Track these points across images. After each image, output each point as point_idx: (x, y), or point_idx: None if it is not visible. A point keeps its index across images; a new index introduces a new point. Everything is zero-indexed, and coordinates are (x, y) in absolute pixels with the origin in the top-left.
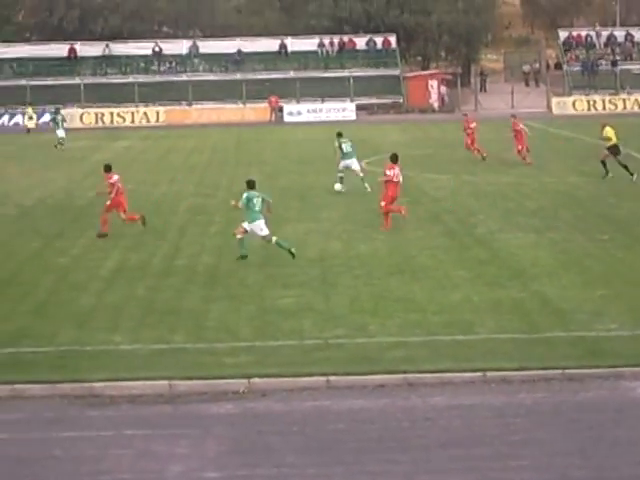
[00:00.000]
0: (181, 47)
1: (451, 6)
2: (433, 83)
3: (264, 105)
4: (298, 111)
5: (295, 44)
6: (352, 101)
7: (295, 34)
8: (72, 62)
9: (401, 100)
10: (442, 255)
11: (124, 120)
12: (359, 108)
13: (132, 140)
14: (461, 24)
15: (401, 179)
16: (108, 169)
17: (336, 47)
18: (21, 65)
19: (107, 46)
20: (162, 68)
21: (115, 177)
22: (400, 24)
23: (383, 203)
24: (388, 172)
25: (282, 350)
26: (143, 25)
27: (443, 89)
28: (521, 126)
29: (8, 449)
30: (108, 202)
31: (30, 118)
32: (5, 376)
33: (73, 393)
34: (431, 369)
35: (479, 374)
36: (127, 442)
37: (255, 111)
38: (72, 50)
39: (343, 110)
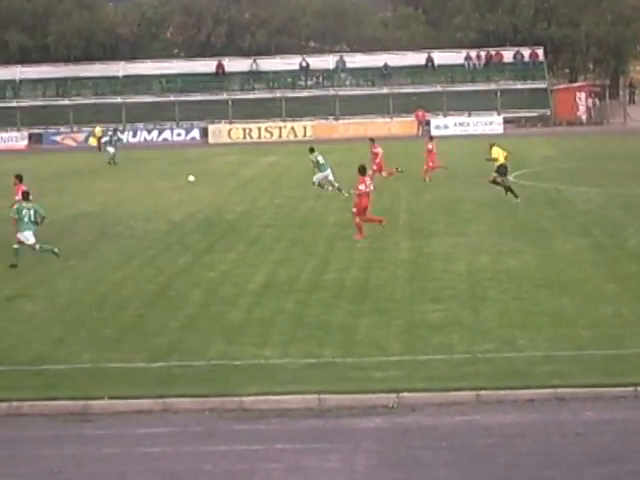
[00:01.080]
0: (328, 62)
1: (599, 17)
2: (581, 95)
3: (411, 119)
4: (445, 125)
5: (441, 57)
6: (499, 114)
7: (441, 47)
8: (220, 78)
9: (549, 113)
10: (591, 269)
11: (271, 135)
12: (506, 121)
13: (279, 155)
14: (610, 35)
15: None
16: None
17: (483, 60)
18: (169, 81)
19: (254, 61)
20: (309, 83)
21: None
22: (547, 36)
23: (354, 210)
24: (360, 186)
25: (431, 364)
26: (290, 40)
27: (591, 101)
28: None
29: (159, 463)
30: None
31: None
32: (156, 390)
33: (223, 407)
34: (581, 383)
35: (630, 389)
36: (277, 456)
37: (402, 125)
38: (220, 66)
39: (490, 123)
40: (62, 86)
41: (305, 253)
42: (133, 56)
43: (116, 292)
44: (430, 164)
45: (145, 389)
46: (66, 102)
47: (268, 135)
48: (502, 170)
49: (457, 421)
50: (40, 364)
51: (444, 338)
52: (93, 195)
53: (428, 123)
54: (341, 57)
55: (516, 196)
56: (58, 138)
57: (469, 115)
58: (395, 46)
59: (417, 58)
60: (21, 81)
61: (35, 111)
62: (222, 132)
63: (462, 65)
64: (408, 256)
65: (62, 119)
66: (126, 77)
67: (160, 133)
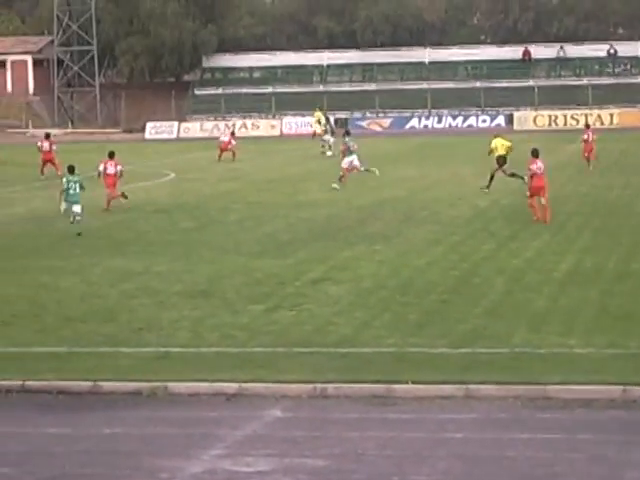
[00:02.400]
0: (636, 49)
1: None
2: None
3: None
4: None
5: None
6: None
7: None
8: (526, 64)
9: None
10: None
11: (577, 122)
12: None
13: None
14: None
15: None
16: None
17: None
18: (475, 67)
19: (561, 48)
20: (616, 70)
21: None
22: None
23: (528, 193)
24: (532, 166)
25: None
26: (598, 26)
27: None
28: None
29: (462, 448)
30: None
31: (318, 122)
32: (459, 376)
33: (526, 395)
34: None
35: None
36: (580, 446)
37: None
38: (526, 52)
39: None
40: (368, 71)
41: (611, 242)
42: (439, 42)
43: (420, 277)
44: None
45: (448, 375)
46: (372, 87)
47: (574, 122)
48: (500, 161)
49: None
50: (345, 347)
51: None
52: (398, 181)
53: None
54: None
55: (522, 177)
56: (364, 123)
57: None
58: None
59: None
60: (328, 66)
61: (341, 96)
62: (527, 119)
63: None
64: None
65: (368, 104)
66: (432, 63)
67: (465, 119)
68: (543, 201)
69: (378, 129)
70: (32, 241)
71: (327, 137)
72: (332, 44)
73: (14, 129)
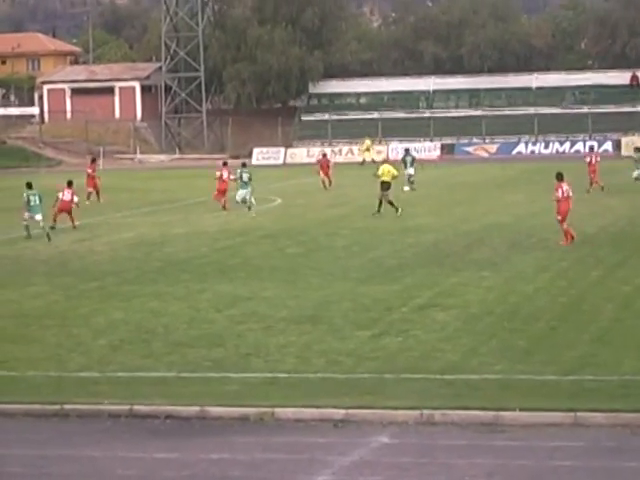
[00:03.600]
0: None
1: None
2: None
3: None
4: None
5: None
6: None
7: None
8: (634, 90)
9: None
10: None
11: None
12: None
13: None
14: None
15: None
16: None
17: None
18: (583, 92)
19: None
20: None
21: None
22: None
23: (559, 217)
24: (557, 193)
25: None
26: None
27: None
28: None
29: (570, 476)
30: None
31: (367, 150)
32: (568, 404)
33: (635, 423)
34: None
35: None
36: None
37: None
38: (634, 77)
39: None
40: (475, 97)
41: None
42: (546, 67)
43: (528, 304)
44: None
45: (556, 402)
46: (479, 113)
47: None
48: (384, 187)
49: None
50: (452, 373)
51: None
52: (505, 206)
53: None
54: None
55: (397, 209)
56: (470, 149)
57: None
58: None
59: None
60: (434, 92)
61: (448, 121)
62: (635, 144)
63: None
64: None
65: (474, 130)
66: (539, 88)
67: (572, 145)
68: (565, 226)
69: (485, 155)
70: (140, 266)
71: (410, 170)
72: (438, 69)
73: (122, 155)
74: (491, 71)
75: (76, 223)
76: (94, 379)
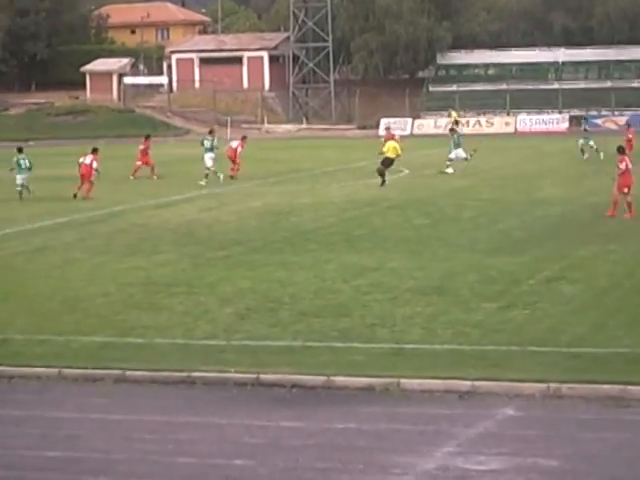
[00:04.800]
0: None
1: None
2: None
3: None
4: None
5: None
6: None
7: None
8: None
9: None
10: None
11: None
12: None
13: None
14: None
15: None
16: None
17: None
18: None
19: None
20: None
21: None
22: None
23: (625, 190)
24: (621, 165)
25: None
26: None
27: None
28: None
29: None
30: None
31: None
32: None
33: None
34: None
35: None
36: None
37: None
38: None
39: None
40: (604, 68)
41: None
42: None
43: None
44: None
45: None
46: (608, 85)
47: None
48: (385, 162)
49: None
50: (579, 347)
51: None
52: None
53: None
54: None
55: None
56: (599, 121)
57: None
58: None
59: None
60: (563, 63)
61: (576, 93)
62: None
63: None
64: None
65: (603, 102)
66: None
67: None
68: (629, 198)
69: (614, 127)
70: (267, 236)
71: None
72: (568, 41)
73: (249, 124)
74: (621, 43)
75: (90, 195)
76: (220, 347)
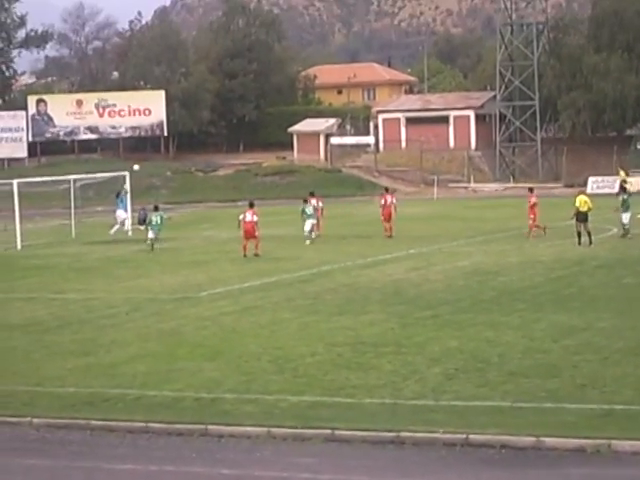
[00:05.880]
0: None
1: None
2: None
3: None
4: None
5: None
6: None
7: None
8: None
9: None
10: None
11: None
12: None
13: None
14: None
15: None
16: None
17: None
18: None
19: None
20: None
21: None
22: None
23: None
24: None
25: None
26: None
27: None
28: None
29: None
30: None
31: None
32: None
33: None
34: None
35: None
36: None
37: None
38: None
39: None
40: None
41: None
42: None
43: None
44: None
45: None
46: None
47: None
48: (580, 217)
49: None
50: None
51: None
52: None
53: None
54: None
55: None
56: None
57: None
58: None
59: None
60: None
61: None
62: None
63: None
64: None
65: None
66: None
67: None
68: None
69: None
70: (475, 295)
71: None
72: None
73: (456, 183)
74: None
75: (259, 252)
76: (429, 407)
